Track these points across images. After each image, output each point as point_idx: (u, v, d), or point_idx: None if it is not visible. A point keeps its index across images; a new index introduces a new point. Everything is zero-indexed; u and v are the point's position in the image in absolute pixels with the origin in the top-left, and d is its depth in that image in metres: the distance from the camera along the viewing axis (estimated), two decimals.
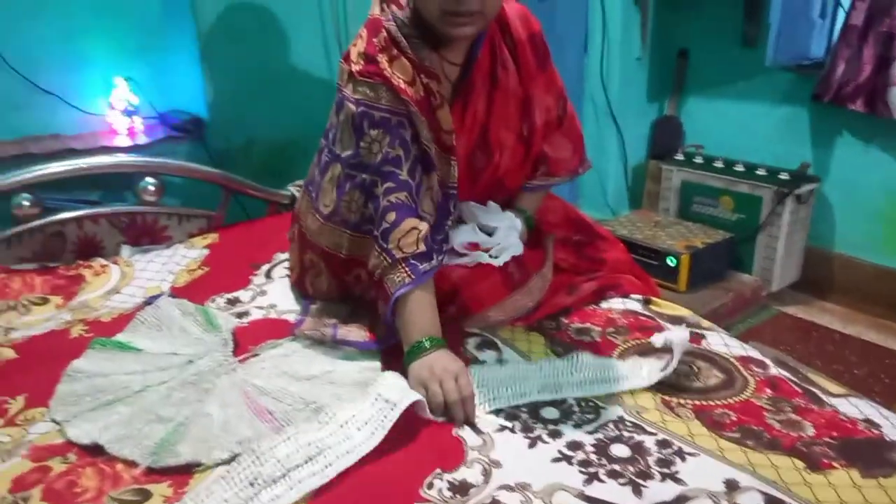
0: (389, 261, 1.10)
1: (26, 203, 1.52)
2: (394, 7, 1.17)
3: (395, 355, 1.13)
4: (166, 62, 1.88)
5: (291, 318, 1.31)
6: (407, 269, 1.09)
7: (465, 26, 1.09)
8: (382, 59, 1.14)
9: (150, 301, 1.37)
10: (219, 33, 1.78)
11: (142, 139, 1.76)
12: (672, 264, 2.44)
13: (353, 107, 1.15)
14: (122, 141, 1.75)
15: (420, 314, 1.11)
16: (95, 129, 1.80)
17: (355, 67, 1.16)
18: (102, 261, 1.58)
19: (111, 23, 1.78)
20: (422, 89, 1.14)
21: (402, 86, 1.12)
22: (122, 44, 1.81)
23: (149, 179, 1.68)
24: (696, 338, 1.20)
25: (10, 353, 1.19)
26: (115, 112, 1.78)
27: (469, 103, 1.22)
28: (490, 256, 1.25)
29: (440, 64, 1.18)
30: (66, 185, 1.61)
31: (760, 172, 2.60)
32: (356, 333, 1.20)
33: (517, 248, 1.28)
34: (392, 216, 1.11)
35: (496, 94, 1.24)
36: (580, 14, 2.88)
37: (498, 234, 1.29)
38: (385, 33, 1.15)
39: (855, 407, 1.01)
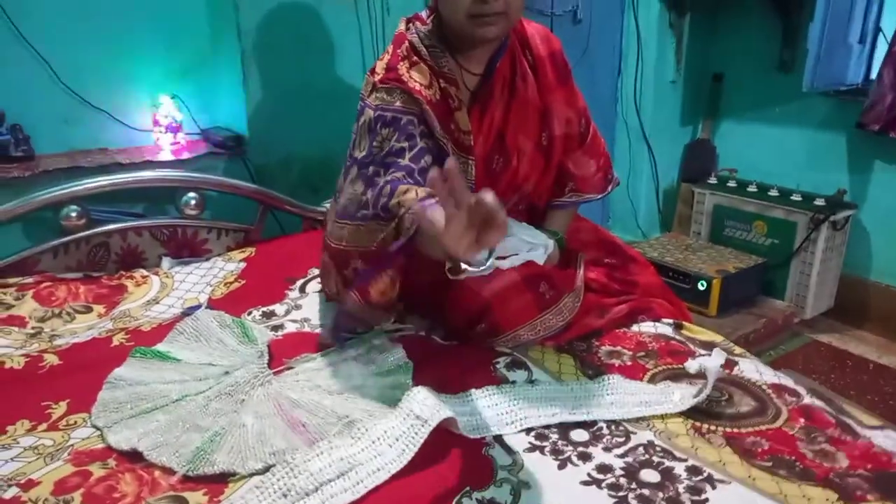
0: (395, 223, 1.09)
1: (74, 214, 1.58)
2: (417, 23, 1.26)
3: (427, 371, 1.14)
4: (211, 81, 1.94)
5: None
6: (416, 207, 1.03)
7: (490, 26, 1.15)
8: (402, 66, 1.21)
9: (188, 312, 1.41)
10: (262, 54, 1.84)
11: (184, 154, 1.82)
12: (703, 288, 2.42)
13: (370, 111, 1.21)
14: (166, 156, 1.80)
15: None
16: (141, 144, 1.86)
17: (377, 77, 1.23)
18: (144, 272, 1.63)
19: (161, 44, 1.84)
20: (438, 92, 1.21)
21: (418, 87, 1.19)
22: (170, 64, 1.87)
23: (190, 194, 1.73)
24: (729, 364, 1.20)
25: (54, 359, 1.23)
26: (160, 128, 1.84)
27: (487, 109, 1.27)
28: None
29: (459, 72, 1.25)
30: (112, 197, 1.66)
31: (795, 198, 2.58)
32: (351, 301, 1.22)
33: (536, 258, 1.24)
34: (388, 189, 1.13)
35: (514, 102, 1.29)
36: (615, 37, 2.90)
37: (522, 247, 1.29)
38: (407, 44, 1.24)
39: (890, 439, 0.99)
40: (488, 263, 0.99)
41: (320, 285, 1.48)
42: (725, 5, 2.85)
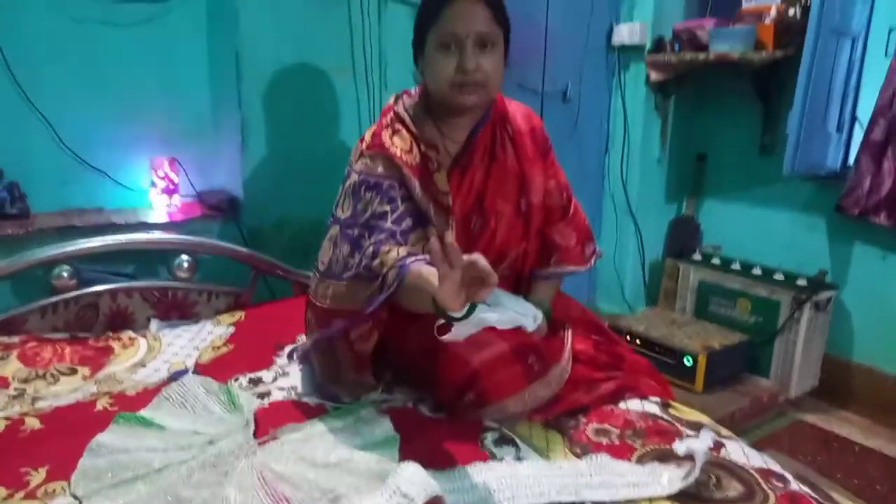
0: (378, 280, 1.18)
1: (65, 274, 1.58)
2: (405, 97, 1.39)
3: (414, 445, 1.13)
4: (210, 146, 1.99)
5: (312, 400, 1.32)
6: (395, 269, 1.15)
7: (470, 95, 1.27)
8: (385, 134, 1.32)
9: (175, 377, 1.39)
10: (262, 122, 1.89)
11: (179, 216, 1.84)
12: (689, 364, 2.43)
13: (355, 176, 1.32)
14: (161, 217, 1.82)
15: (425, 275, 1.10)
16: (137, 205, 1.88)
17: (364, 145, 1.34)
18: (132, 333, 1.62)
19: (163, 108, 1.89)
20: (418, 156, 1.31)
21: (398, 153, 1.29)
22: (171, 128, 1.91)
23: (183, 257, 1.74)
24: (716, 446, 1.20)
25: (35, 423, 1.21)
26: (156, 190, 1.86)
27: (467, 172, 1.36)
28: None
29: (441, 139, 1.35)
30: (104, 257, 1.67)
31: (778, 277, 2.63)
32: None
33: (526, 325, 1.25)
34: (371, 251, 1.22)
35: (494, 167, 1.39)
36: (602, 115, 3.01)
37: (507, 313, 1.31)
38: (392, 114, 1.36)
39: None
40: (472, 316, 1.05)
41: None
42: (709, 90, 2.98)
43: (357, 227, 1.27)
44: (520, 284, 1.49)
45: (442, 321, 1.06)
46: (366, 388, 1.35)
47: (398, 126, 1.34)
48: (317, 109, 1.98)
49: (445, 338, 1.08)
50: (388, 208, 1.26)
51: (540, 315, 1.32)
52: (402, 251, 1.19)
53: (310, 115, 1.97)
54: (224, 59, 1.88)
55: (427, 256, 1.15)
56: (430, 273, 1.10)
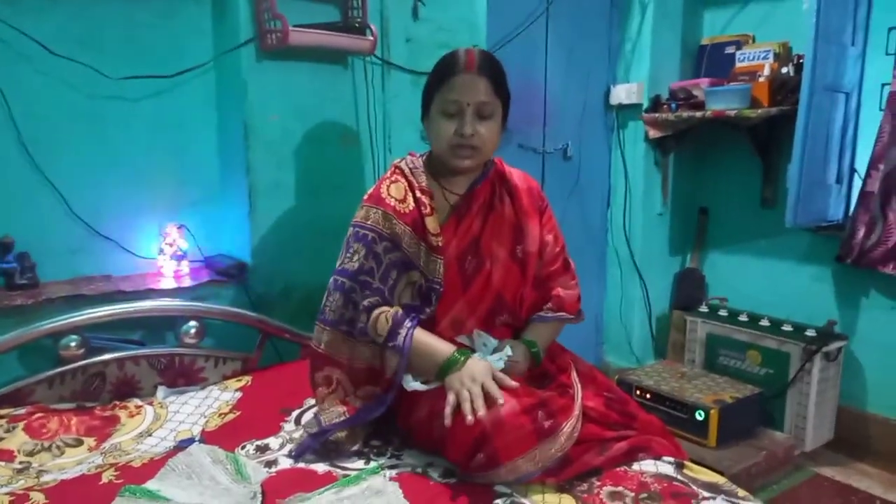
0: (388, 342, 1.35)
1: (73, 344, 1.58)
2: (409, 156, 1.53)
3: None
4: (218, 213, 2.02)
5: (320, 468, 1.31)
6: (396, 331, 1.35)
7: (467, 159, 1.43)
8: (383, 186, 1.46)
9: (181, 446, 1.38)
10: (269, 188, 1.93)
11: (186, 282, 1.85)
12: (701, 418, 2.39)
13: (350, 228, 1.46)
14: (169, 283, 1.83)
15: (432, 342, 1.36)
16: (144, 271, 1.90)
17: (365, 198, 1.47)
18: (138, 401, 1.61)
19: (172, 177, 1.94)
20: (412, 203, 1.43)
21: (392, 203, 1.42)
22: (180, 195, 1.95)
23: (191, 323, 1.75)
24: None
25: (40, 498, 1.19)
26: (164, 256, 1.88)
27: (464, 219, 1.48)
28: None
29: (441, 191, 1.49)
30: (112, 325, 1.68)
31: (786, 328, 2.61)
32: (334, 413, 1.40)
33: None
34: (364, 317, 1.39)
35: (491, 216, 1.50)
36: (603, 171, 3.06)
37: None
38: (394, 168, 1.51)
39: None
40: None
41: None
42: (707, 145, 3.03)
43: (346, 278, 1.41)
44: (517, 334, 1.54)
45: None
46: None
47: (397, 177, 1.47)
48: (323, 176, 2.02)
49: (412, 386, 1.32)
50: (373, 265, 1.40)
51: (503, 358, 1.38)
52: (391, 312, 1.37)
53: (316, 182, 2.01)
54: (232, 128, 1.93)
55: (417, 317, 1.38)
56: (430, 341, 1.36)
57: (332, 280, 1.45)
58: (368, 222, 1.42)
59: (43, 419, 1.47)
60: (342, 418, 1.38)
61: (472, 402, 1.23)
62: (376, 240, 1.40)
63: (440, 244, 1.42)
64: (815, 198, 2.49)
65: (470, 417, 1.21)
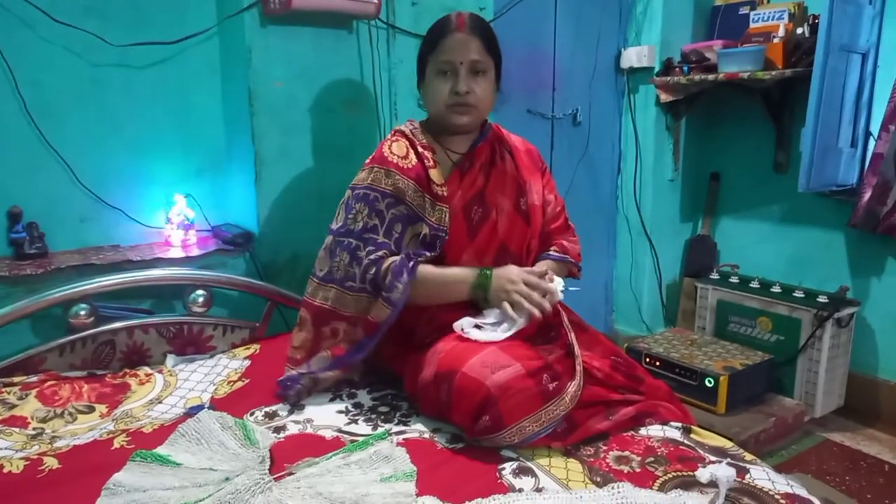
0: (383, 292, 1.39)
1: (83, 313, 1.59)
2: (408, 122, 1.57)
3: (432, 478, 1.12)
4: (224, 181, 2.01)
5: (328, 434, 1.32)
6: (402, 270, 1.38)
7: (463, 115, 1.47)
8: (385, 147, 1.49)
9: (191, 412, 1.39)
10: (275, 157, 1.91)
11: (194, 251, 1.85)
12: (710, 385, 2.39)
13: (349, 192, 1.49)
14: (176, 252, 1.83)
15: (447, 271, 1.44)
16: (152, 241, 1.91)
17: (366, 161, 1.50)
18: (148, 369, 1.63)
19: (178, 146, 1.92)
20: (415, 159, 1.47)
21: (395, 160, 1.46)
22: (186, 164, 1.94)
23: (199, 291, 1.75)
24: (740, 472, 1.17)
25: (54, 463, 1.21)
26: (172, 226, 1.88)
27: (467, 174, 1.52)
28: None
29: (442, 150, 1.53)
30: (121, 294, 1.68)
31: (798, 294, 2.59)
32: (321, 360, 1.45)
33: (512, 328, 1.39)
34: (373, 269, 1.41)
35: (493, 171, 1.55)
36: (613, 137, 3.02)
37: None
38: (395, 131, 1.55)
39: None
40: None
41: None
42: (719, 110, 2.98)
43: (352, 238, 1.43)
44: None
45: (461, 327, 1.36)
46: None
47: (398, 137, 1.52)
48: (329, 142, 2.00)
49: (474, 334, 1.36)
50: (377, 222, 1.43)
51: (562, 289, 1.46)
52: (395, 262, 1.39)
53: (322, 148, 1.99)
54: (237, 95, 1.91)
55: (426, 254, 1.43)
56: (444, 271, 1.43)
57: (331, 240, 1.47)
58: (368, 182, 1.45)
59: (55, 386, 1.49)
60: (328, 362, 1.45)
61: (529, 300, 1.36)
62: (378, 198, 1.44)
63: (445, 193, 1.46)
64: (828, 162, 2.44)
65: (537, 313, 1.35)
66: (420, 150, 1.48)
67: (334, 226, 1.48)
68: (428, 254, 1.44)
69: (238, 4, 1.82)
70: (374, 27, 2.04)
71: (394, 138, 1.52)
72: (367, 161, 1.50)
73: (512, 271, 1.42)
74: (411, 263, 1.40)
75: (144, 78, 1.84)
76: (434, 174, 1.47)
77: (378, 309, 1.41)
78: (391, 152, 1.48)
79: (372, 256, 1.41)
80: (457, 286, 1.42)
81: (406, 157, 1.47)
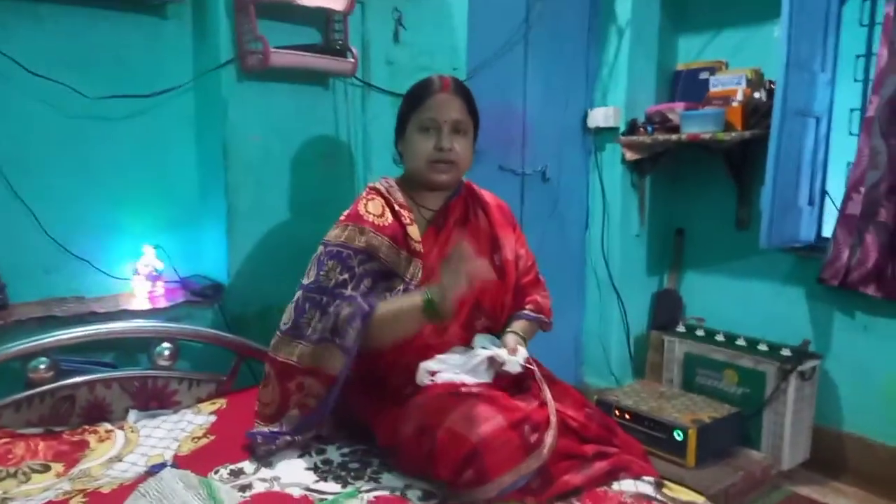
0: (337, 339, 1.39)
1: (42, 367, 1.55)
2: (382, 179, 1.58)
3: None
4: (196, 233, 2.00)
5: (296, 492, 1.28)
6: (356, 314, 1.38)
7: (444, 174, 1.50)
8: (360, 204, 1.51)
9: (152, 471, 1.35)
10: (247, 208, 1.91)
11: (161, 303, 1.82)
12: (679, 438, 2.39)
13: (321, 247, 1.49)
14: (143, 304, 1.80)
15: (396, 301, 1.42)
16: (118, 292, 1.87)
17: (340, 219, 1.51)
18: (108, 426, 1.57)
19: (150, 197, 1.91)
20: (391, 217, 1.49)
21: (371, 219, 1.47)
22: (157, 215, 1.92)
23: (165, 345, 1.72)
24: None
25: None
26: (139, 277, 1.85)
27: (442, 230, 1.55)
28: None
29: (417, 208, 1.55)
30: (83, 347, 1.64)
31: (762, 348, 2.64)
32: (291, 420, 1.44)
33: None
34: (332, 318, 1.40)
35: (468, 227, 1.58)
36: (581, 193, 3.09)
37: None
38: (369, 188, 1.56)
39: None
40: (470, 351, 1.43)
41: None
42: (683, 168, 3.08)
43: (324, 295, 1.42)
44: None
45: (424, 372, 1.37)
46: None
47: (373, 195, 1.53)
48: (303, 196, 2.02)
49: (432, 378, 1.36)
50: (346, 276, 1.43)
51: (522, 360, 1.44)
52: (354, 306, 1.39)
53: (296, 202, 2.00)
54: (212, 148, 1.91)
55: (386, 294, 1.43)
56: (391, 305, 1.40)
57: (301, 295, 1.46)
58: (341, 239, 1.46)
59: (9, 444, 1.43)
60: (297, 420, 1.43)
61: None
62: (350, 255, 1.44)
63: (421, 249, 1.48)
64: (788, 219, 2.53)
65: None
66: (397, 208, 1.50)
67: (305, 281, 1.48)
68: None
69: (216, 60, 1.85)
70: (350, 85, 2.09)
71: (369, 196, 1.53)
72: (342, 218, 1.51)
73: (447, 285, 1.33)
74: (366, 308, 1.38)
75: (119, 130, 1.84)
76: (412, 231, 1.49)
77: (333, 358, 1.39)
78: (367, 211, 1.49)
79: (335, 304, 1.42)
80: (410, 312, 1.38)
81: (382, 215, 1.49)
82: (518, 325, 1.59)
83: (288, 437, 1.42)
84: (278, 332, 1.49)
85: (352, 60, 1.98)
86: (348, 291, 1.42)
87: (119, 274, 1.88)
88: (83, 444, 1.49)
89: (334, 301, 1.42)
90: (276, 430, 1.43)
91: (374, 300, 1.41)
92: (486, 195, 1.67)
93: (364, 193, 1.56)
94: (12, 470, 1.37)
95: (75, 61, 1.75)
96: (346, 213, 1.53)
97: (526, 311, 1.62)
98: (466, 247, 1.34)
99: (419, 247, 1.49)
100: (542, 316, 1.64)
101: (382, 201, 1.51)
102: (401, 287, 1.45)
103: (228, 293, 1.91)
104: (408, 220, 1.50)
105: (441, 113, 1.48)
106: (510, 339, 1.53)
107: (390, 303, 1.42)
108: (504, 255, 1.59)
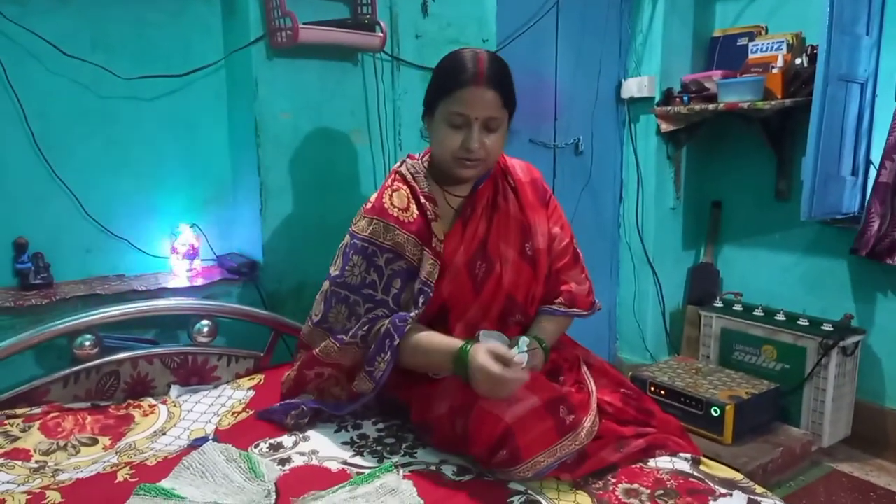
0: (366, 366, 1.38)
1: (88, 343, 1.59)
2: (408, 159, 1.50)
3: None
4: (229, 212, 2.03)
5: (333, 466, 1.30)
6: (392, 333, 1.35)
7: (471, 169, 1.40)
8: (385, 195, 1.43)
9: (195, 444, 1.38)
10: (280, 187, 1.93)
11: (199, 280, 1.85)
12: (716, 415, 2.37)
13: (348, 237, 1.45)
14: (181, 282, 1.83)
15: (435, 337, 1.36)
16: (157, 271, 1.91)
17: (367, 205, 1.45)
18: (152, 400, 1.62)
19: (185, 177, 1.94)
20: (416, 211, 1.41)
21: (395, 214, 1.40)
22: (192, 195, 1.96)
23: (203, 322, 1.75)
24: None
25: (56, 497, 1.19)
26: (177, 255, 1.89)
27: (470, 222, 1.46)
28: None
29: (443, 195, 1.47)
30: (125, 325, 1.68)
31: (802, 322, 2.58)
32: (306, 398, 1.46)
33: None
34: (366, 327, 1.38)
35: (496, 215, 1.48)
36: (615, 166, 3.04)
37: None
38: (395, 175, 1.48)
39: None
40: None
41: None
42: (720, 138, 3.00)
43: (350, 292, 1.40)
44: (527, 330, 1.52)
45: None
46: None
47: (399, 185, 1.45)
48: (334, 173, 2.02)
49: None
50: (375, 277, 1.38)
51: (524, 357, 1.33)
52: (387, 324, 1.35)
53: (327, 179, 2.01)
54: (243, 127, 1.93)
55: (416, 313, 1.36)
56: (440, 337, 1.36)
57: (329, 288, 1.44)
58: (367, 233, 1.40)
59: (58, 418, 1.48)
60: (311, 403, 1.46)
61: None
62: (377, 252, 1.39)
63: (442, 251, 1.42)
64: (830, 190, 2.45)
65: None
66: (422, 200, 1.42)
67: (332, 272, 1.45)
68: (414, 314, 1.37)
69: (245, 38, 1.85)
70: (379, 59, 2.07)
71: (394, 186, 1.44)
72: (367, 207, 1.45)
73: (480, 371, 1.23)
74: (396, 338, 1.34)
75: (152, 110, 1.86)
76: (436, 227, 1.41)
77: (361, 381, 1.39)
78: (392, 204, 1.41)
79: (370, 315, 1.38)
80: (442, 355, 1.33)
81: (406, 209, 1.41)
82: (542, 328, 1.50)
83: (304, 408, 1.45)
84: (309, 322, 1.49)
85: (380, 35, 1.96)
86: (378, 294, 1.38)
87: (156, 252, 1.92)
88: (128, 419, 1.53)
89: (365, 303, 1.39)
90: (297, 401, 1.47)
91: (408, 316, 1.36)
92: (518, 169, 1.54)
93: (388, 181, 1.47)
94: (62, 443, 1.42)
95: (105, 42, 1.77)
96: (371, 200, 1.46)
97: (554, 307, 1.52)
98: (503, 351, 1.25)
99: (441, 247, 1.42)
100: (574, 310, 1.53)
101: (407, 191, 1.43)
102: (417, 286, 1.39)
103: (263, 270, 1.93)
104: (432, 215, 1.42)
105: (472, 109, 1.34)
106: (534, 330, 1.48)
107: (428, 336, 1.37)
108: (536, 243, 1.48)
